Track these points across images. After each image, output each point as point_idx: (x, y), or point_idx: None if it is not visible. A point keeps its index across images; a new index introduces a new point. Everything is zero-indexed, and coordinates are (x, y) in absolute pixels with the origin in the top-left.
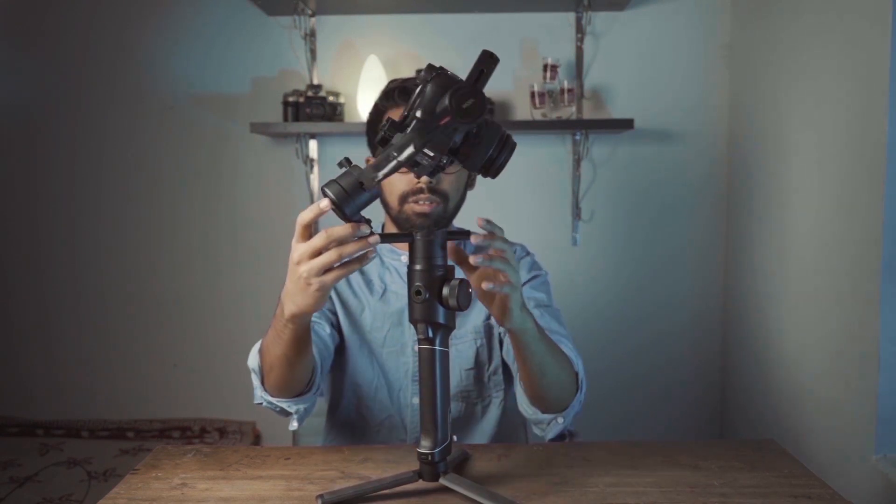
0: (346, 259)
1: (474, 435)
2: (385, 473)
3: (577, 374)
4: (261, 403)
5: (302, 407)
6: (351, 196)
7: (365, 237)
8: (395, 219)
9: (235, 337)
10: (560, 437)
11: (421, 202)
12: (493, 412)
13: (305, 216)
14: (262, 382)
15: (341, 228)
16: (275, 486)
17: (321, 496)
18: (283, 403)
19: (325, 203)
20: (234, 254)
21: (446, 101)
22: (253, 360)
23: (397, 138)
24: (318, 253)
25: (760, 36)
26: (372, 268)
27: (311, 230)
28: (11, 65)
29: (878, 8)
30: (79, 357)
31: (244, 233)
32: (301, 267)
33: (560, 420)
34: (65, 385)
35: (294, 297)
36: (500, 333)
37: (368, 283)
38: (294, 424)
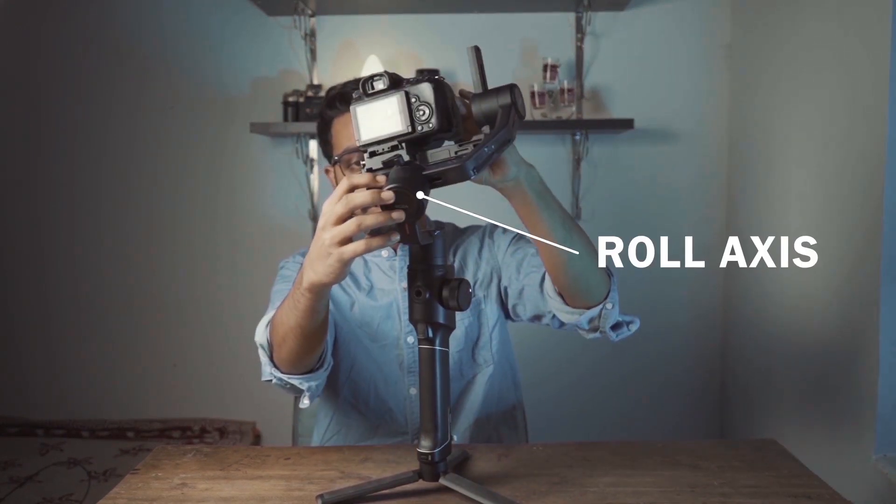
0: (369, 232)
1: (462, 411)
2: (385, 473)
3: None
4: (270, 380)
5: (313, 384)
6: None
7: (387, 208)
8: None
9: (235, 337)
10: (618, 326)
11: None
12: (480, 388)
13: (357, 179)
14: (272, 358)
15: (360, 194)
16: (275, 486)
17: (321, 496)
18: (295, 380)
19: (382, 177)
20: (234, 254)
21: (508, 100)
22: (261, 335)
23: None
24: (340, 221)
25: (760, 36)
26: (355, 265)
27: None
28: (12, 65)
29: (878, 7)
30: (79, 357)
31: (244, 233)
32: (325, 233)
33: (610, 306)
34: (65, 385)
35: (314, 265)
36: (503, 289)
37: (354, 279)
38: (305, 402)
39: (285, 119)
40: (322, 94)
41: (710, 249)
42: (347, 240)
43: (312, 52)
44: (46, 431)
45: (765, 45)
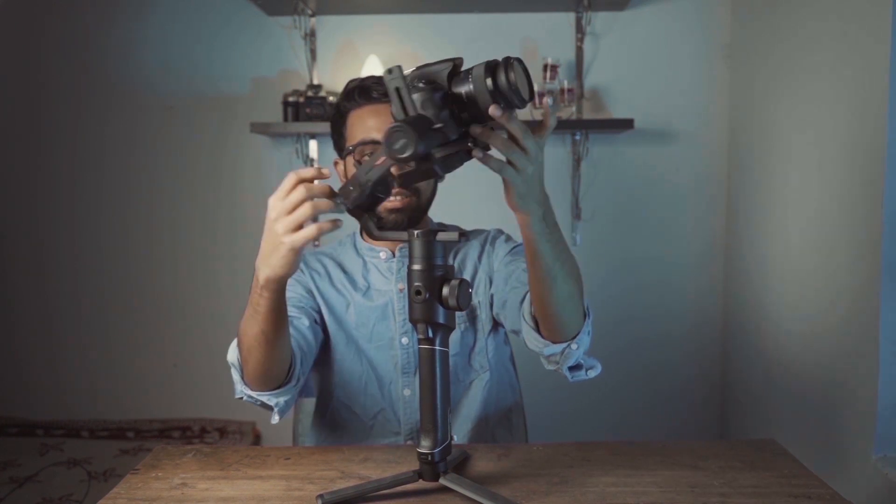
0: (320, 220)
1: (459, 416)
2: (385, 473)
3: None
4: (241, 398)
5: (282, 400)
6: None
7: (335, 198)
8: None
9: (235, 337)
10: (578, 367)
11: (392, 198)
12: (478, 394)
13: (304, 173)
14: (242, 377)
15: (319, 186)
16: (275, 486)
17: (321, 496)
18: (263, 397)
19: (326, 170)
20: (234, 254)
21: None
22: (232, 355)
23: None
24: (294, 209)
25: (760, 36)
26: (354, 266)
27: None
28: (11, 65)
29: (877, 8)
30: (79, 357)
31: (244, 233)
32: (277, 224)
33: (574, 346)
34: (65, 385)
35: (268, 259)
36: (490, 296)
37: (352, 280)
38: (275, 418)
39: (285, 119)
40: (322, 94)
41: (709, 249)
42: (299, 227)
43: (312, 52)
44: (46, 431)
45: (764, 44)
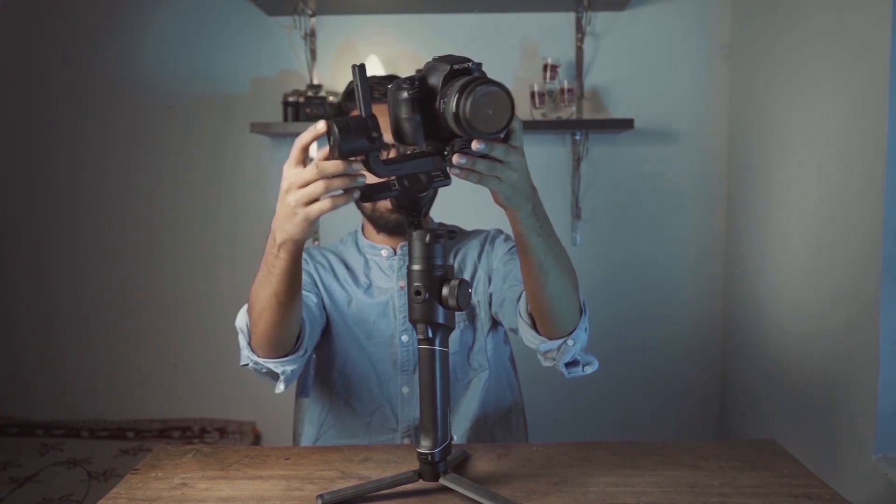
0: (333, 193)
1: (457, 415)
2: (385, 473)
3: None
4: (247, 364)
5: (289, 368)
6: (352, 132)
7: (354, 175)
8: (370, 217)
9: (235, 337)
10: (574, 364)
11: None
12: (476, 393)
13: (303, 138)
14: (250, 342)
15: (332, 164)
16: (275, 486)
17: (321, 496)
18: (270, 364)
19: (321, 125)
20: (234, 254)
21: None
22: (241, 320)
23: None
24: (307, 184)
25: (760, 36)
26: (356, 263)
27: (306, 155)
28: (11, 65)
29: (878, 8)
30: (79, 357)
31: (244, 233)
32: (289, 196)
33: (570, 343)
34: (65, 385)
35: (283, 225)
36: (489, 294)
37: (354, 277)
38: (280, 387)
39: (285, 119)
40: (322, 94)
41: (709, 249)
42: (313, 200)
43: (312, 52)
44: (46, 431)
45: (765, 44)
